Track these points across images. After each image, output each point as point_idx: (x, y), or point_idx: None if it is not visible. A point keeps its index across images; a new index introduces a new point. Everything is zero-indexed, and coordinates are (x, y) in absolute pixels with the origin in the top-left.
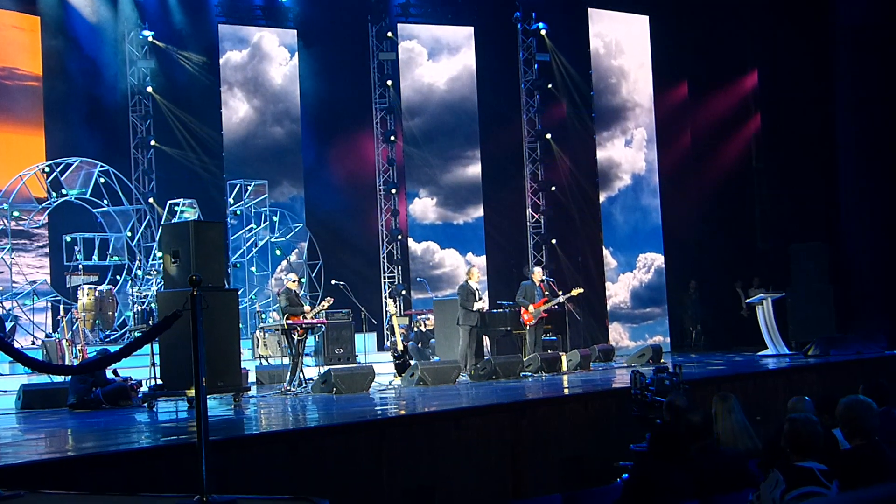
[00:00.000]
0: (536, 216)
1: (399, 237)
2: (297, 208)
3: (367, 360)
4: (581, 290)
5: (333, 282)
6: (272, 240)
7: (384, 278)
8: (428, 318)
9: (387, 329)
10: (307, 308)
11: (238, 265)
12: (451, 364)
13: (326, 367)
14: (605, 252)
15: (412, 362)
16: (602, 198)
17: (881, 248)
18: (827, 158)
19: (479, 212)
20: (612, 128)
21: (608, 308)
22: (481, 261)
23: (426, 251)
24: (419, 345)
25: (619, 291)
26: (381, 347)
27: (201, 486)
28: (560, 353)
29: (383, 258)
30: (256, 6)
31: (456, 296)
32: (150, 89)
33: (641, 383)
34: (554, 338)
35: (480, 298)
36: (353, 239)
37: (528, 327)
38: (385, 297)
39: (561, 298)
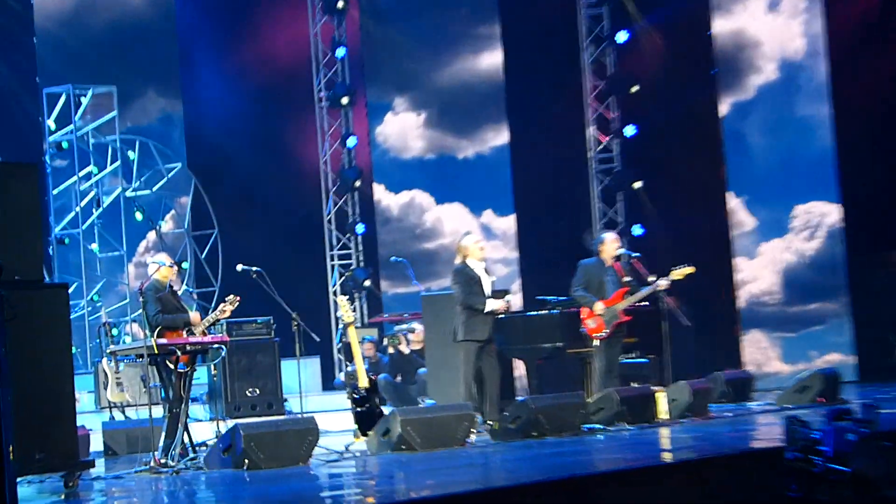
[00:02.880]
0: (604, 140)
1: (356, 183)
2: (172, 136)
3: (306, 409)
4: (690, 271)
5: (241, 268)
6: (129, 193)
7: (331, 259)
8: (412, 330)
9: (338, 351)
10: (194, 315)
11: (67, 240)
12: (456, 412)
13: (231, 422)
14: (734, 202)
15: (386, 410)
16: (725, 106)
17: None
18: None
19: (503, 136)
20: None
21: (740, 304)
22: (508, 223)
23: (407, 208)
24: (397, 377)
25: (760, 273)
26: (328, 384)
27: None
28: (654, 388)
29: (329, 223)
30: None
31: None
32: None
33: (805, 439)
34: (644, 360)
35: (497, 295)
36: (273, 189)
37: (594, 343)
38: (334, 293)
39: (654, 286)
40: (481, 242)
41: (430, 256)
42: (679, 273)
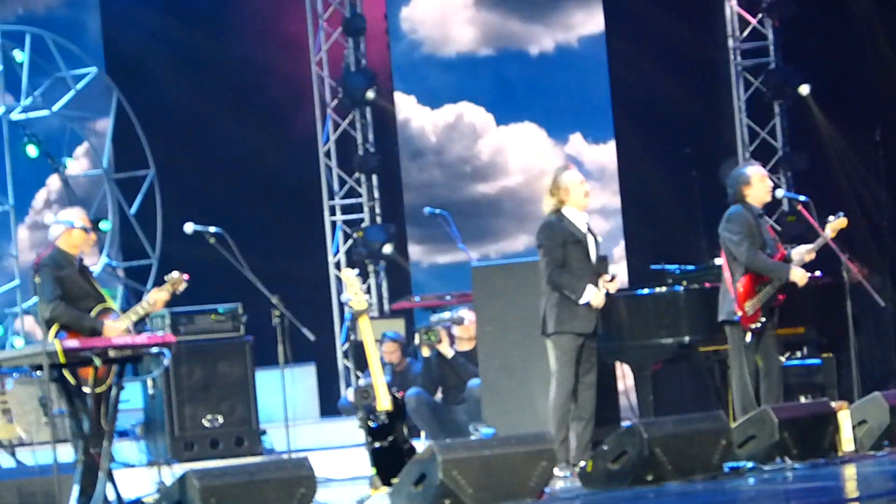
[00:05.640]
0: (753, 22)
1: (369, 95)
2: (83, 28)
3: (295, 446)
4: (841, 225)
5: (191, 228)
6: (15, 116)
7: (332, 213)
8: (459, 321)
9: (345, 355)
10: (111, 325)
11: None
12: (528, 445)
13: (181, 468)
14: None
15: (419, 445)
16: None
17: None
18: None
19: (597, 20)
20: None
21: None
22: (606, 154)
23: (451, 132)
24: (437, 394)
25: None
26: (330, 406)
27: None
28: (834, 405)
29: (326, 156)
30: None
31: (534, 255)
32: None
33: None
34: (816, 361)
35: (602, 270)
36: (239, 105)
37: (742, 336)
38: (336, 266)
39: (801, 257)
40: (587, 184)
41: (486, 206)
42: (833, 228)
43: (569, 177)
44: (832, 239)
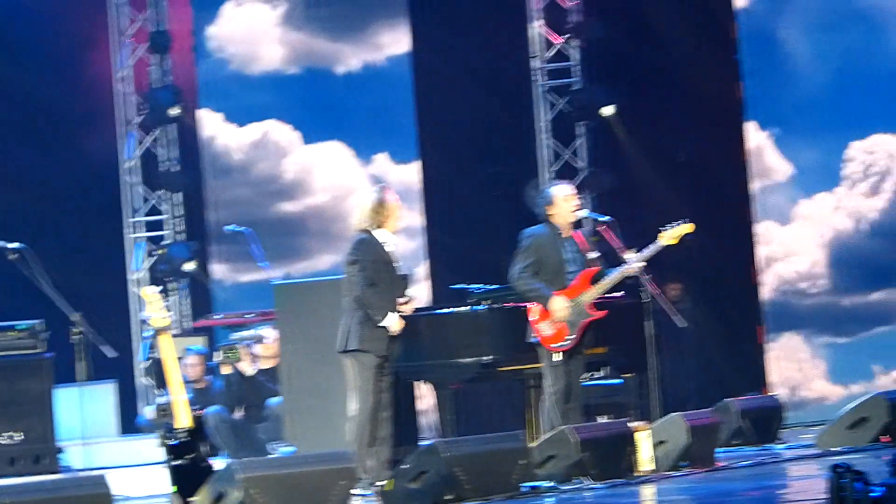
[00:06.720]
0: (558, 41)
1: (174, 112)
2: None
3: (94, 464)
4: (688, 230)
5: None
6: None
7: (134, 230)
8: (260, 339)
9: (145, 372)
10: None
11: None
12: (327, 464)
13: None
14: (756, 138)
15: (219, 463)
16: None
17: None
18: None
19: (403, 40)
20: None
21: (766, 294)
22: (410, 173)
23: (257, 150)
24: (237, 412)
25: (796, 246)
26: (129, 424)
27: None
28: (634, 425)
29: (129, 174)
30: None
31: (338, 273)
32: None
33: (860, 499)
34: (617, 381)
35: (403, 291)
36: (40, 120)
37: (554, 357)
38: (137, 283)
39: (632, 266)
40: (396, 201)
41: (291, 224)
42: (672, 235)
43: (393, 199)
44: (669, 247)
